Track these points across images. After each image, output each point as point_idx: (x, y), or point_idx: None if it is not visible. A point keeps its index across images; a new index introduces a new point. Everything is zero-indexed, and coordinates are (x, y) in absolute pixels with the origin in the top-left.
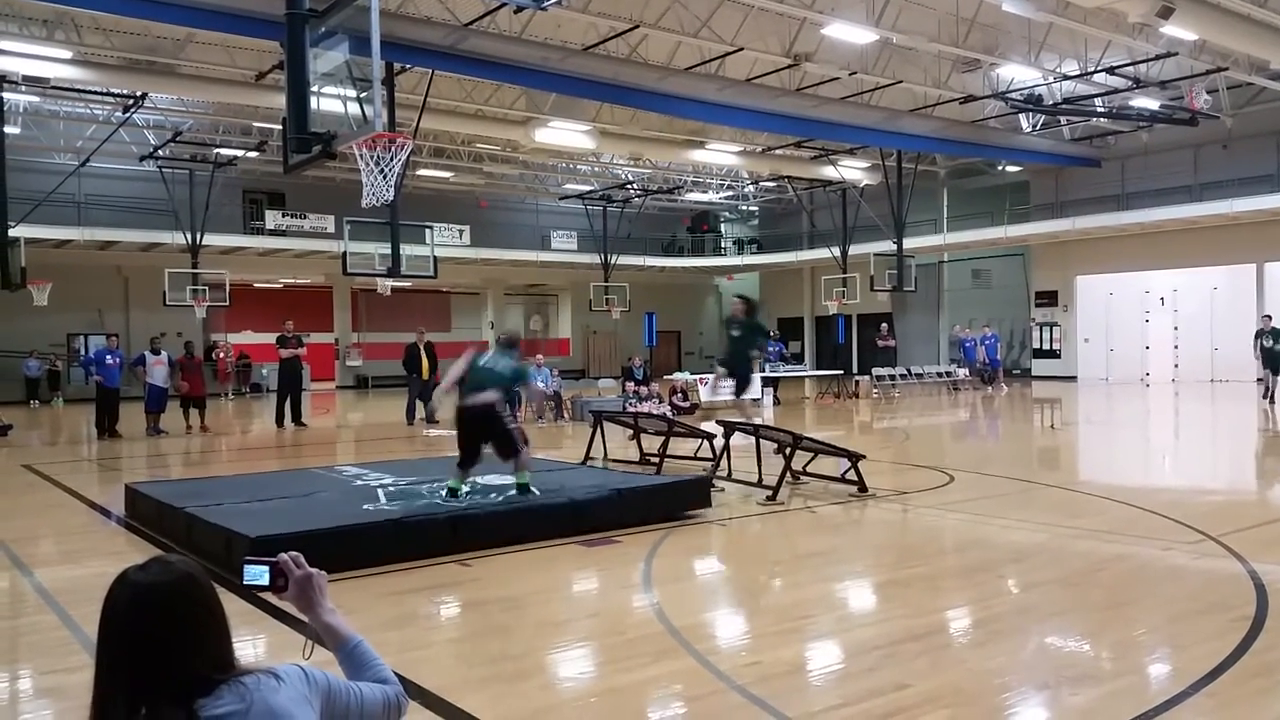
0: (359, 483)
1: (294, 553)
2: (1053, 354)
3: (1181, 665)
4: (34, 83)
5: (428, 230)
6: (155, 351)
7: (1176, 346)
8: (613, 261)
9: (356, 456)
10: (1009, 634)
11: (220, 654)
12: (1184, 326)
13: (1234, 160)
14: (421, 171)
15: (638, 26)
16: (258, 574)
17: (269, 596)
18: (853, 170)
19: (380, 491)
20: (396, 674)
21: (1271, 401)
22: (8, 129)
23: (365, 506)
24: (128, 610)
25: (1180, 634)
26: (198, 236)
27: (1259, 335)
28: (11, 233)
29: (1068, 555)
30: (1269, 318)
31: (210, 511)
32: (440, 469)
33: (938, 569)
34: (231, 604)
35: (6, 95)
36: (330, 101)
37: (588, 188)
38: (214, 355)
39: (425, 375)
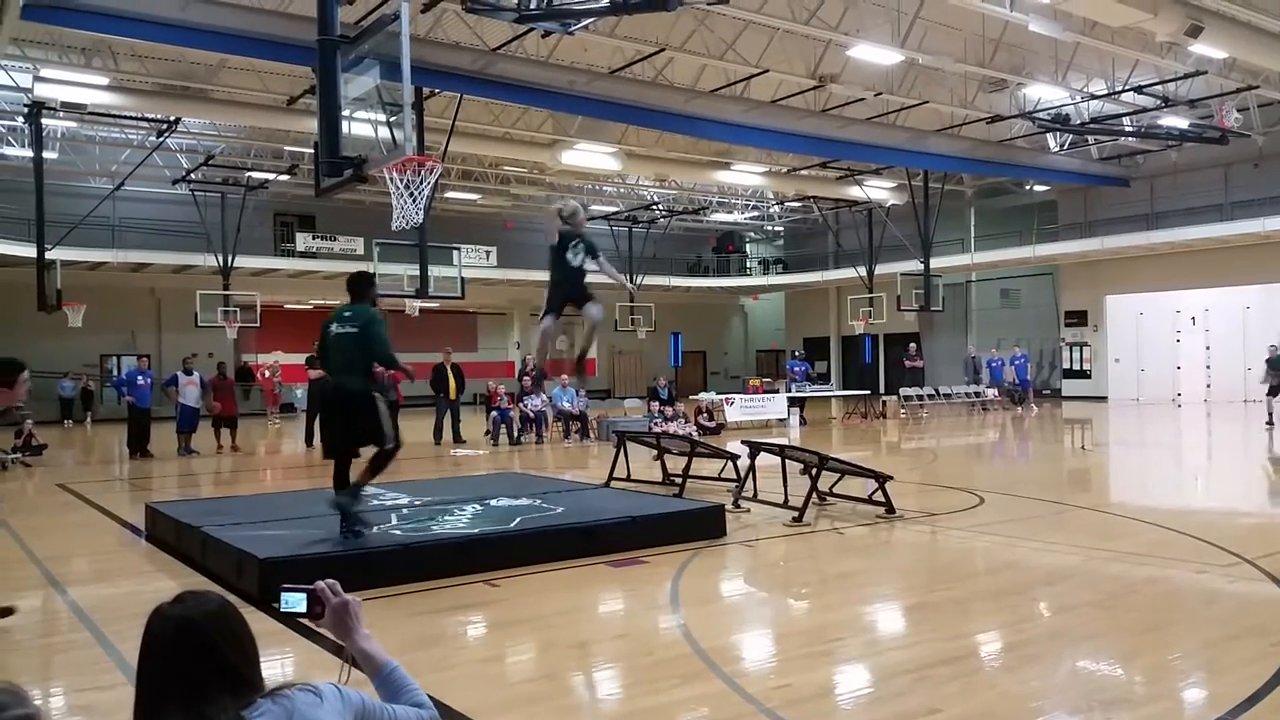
0: (375, 503)
1: (330, 580)
2: (1083, 374)
3: (1218, 690)
4: (71, 109)
5: (455, 251)
6: (187, 372)
7: (1208, 366)
8: (638, 282)
9: (381, 476)
10: (1041, 658)
11: (256, 674)
12: (1216, 346)
13: (1265, 178)
14: (449, 194)
15: (663, 49)
16: (295, 601)
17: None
18: (879, 190)
19: (393, 514)
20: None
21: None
22: (46, 154)
23: (375, 529)
24: (180, 640)
25: (1216, 658)
26: (229, 258)
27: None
28: (48, 255)
29: (1100, 578)
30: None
31: (225, 531)
32: (462, 489)
33: (968, 592)
34: (262, 624)
35: (45, 121)
36: (361, 126)
37: (613, 209)
38: (260, 375)
39: (452, 395)
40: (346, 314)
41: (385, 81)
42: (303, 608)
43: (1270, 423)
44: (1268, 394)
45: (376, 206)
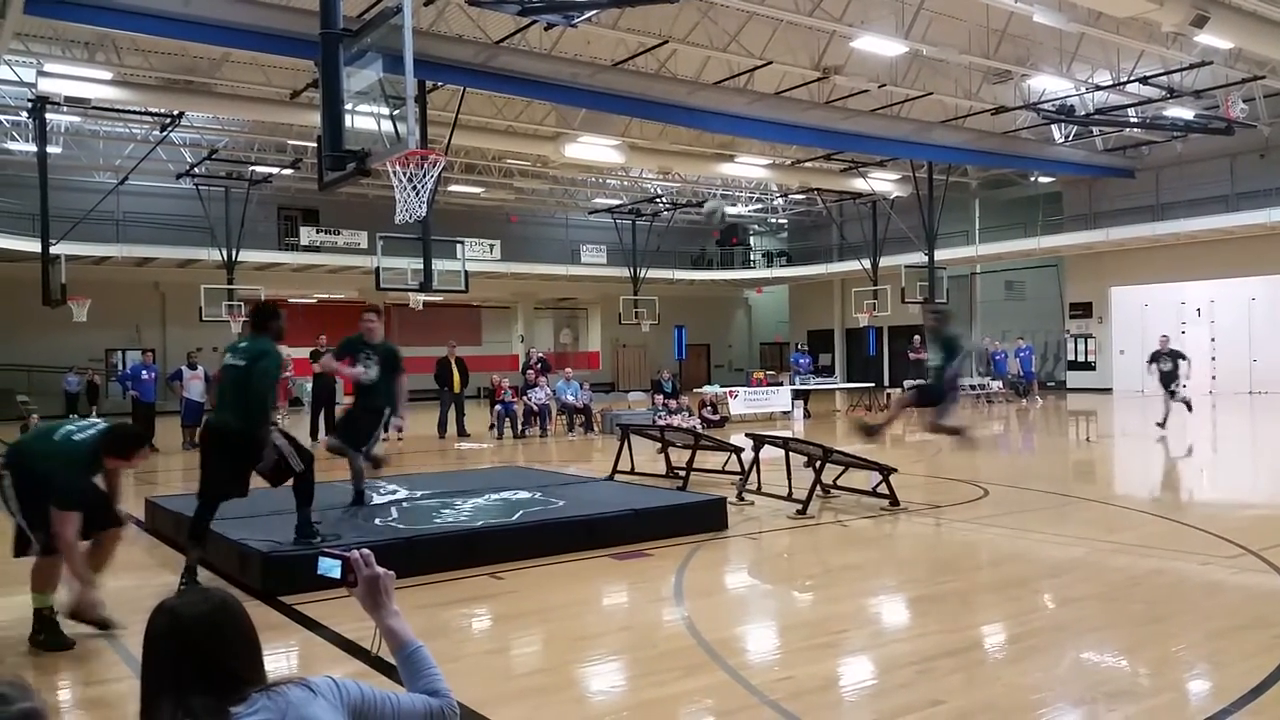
0: (377, 496)
1: (365, 550)
2: (1088, 366)
3: (1222, 682)
4: (75, 103)
5: (459, 245)
6: (192, 366)
7: (1214, 358)
8: (642, 275)
9: (384, 470)
10: (1045, 650)
11: (252, 671)
12: (1221, 338)
13: (1271, 169)
14: (453, 187)
15: (667, 42)
16: (330, 567)
17: (299, 606)
18: (883, 182)
19: (393, 507)
20: None
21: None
22: (50, 149)
23: (375, 521)
24: (167, 637)
25: (1220, 650)
26: (233, 253)
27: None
28: (53, 250)
29: (1104, 570)
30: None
31: (227, 526)
32: (463, 482)
33: (972, 584)
34: (265, 618)
35: (49, 116)
36: (364, 119)
37: (617, 202)
38: None
39: (456, 388)
40: (241, 346)
41: (388, 75)
42: (337, 574)
43: (1163, 423)
44: (1161, 383)
45: (380, 200)
